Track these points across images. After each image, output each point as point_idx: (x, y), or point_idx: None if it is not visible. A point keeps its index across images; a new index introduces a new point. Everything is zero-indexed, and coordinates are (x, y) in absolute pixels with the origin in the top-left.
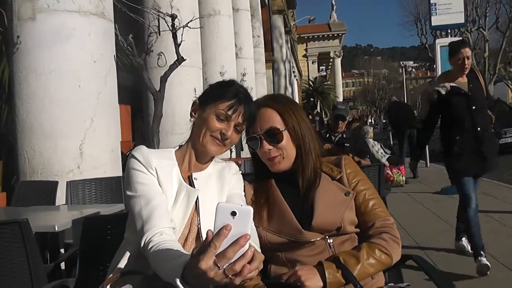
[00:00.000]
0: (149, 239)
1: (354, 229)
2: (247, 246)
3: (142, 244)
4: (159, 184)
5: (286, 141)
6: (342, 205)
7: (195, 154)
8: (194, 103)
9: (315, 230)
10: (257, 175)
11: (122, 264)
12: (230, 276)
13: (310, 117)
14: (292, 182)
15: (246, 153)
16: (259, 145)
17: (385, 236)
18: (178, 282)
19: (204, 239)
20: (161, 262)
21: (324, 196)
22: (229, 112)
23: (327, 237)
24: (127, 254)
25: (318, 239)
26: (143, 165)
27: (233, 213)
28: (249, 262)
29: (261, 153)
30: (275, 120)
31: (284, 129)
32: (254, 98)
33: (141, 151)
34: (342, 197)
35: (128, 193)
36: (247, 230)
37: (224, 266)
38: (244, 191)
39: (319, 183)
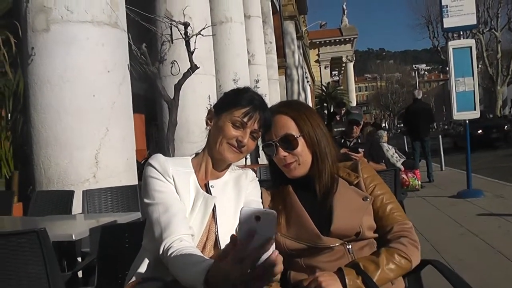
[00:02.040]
0: (169, 245)
1: (373, 234)
2: (271, 250)
3: (161, 251)
4: (176, 192)
5: (302, 147)
6: (360, 210)
7: (211, 161)
8: (209, 111)
9: (333, 236)
10: (274, 182)
11: (141, 271)
12: (254, 279)
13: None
14: (309, 188)
15: (262, 160)
16: (274, 152)
17: (404, 241)
18: (202, 286)
19: (222, 246)
20: (183, 268)
21: (342, 202)
22: (245, 119)
23: (346, 242)
24: (146, 261)
25: (337, 244)
26: (160, 173)
27: (257, 218)
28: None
29: (276, 159)
30: (290, 126)
31: (299, 136)
32: (268, 105)
33: (158, 159)
34: (360, 202)
35: (146, 200)
36: (271, 234)
37: (249, 270)
38: (261, 198)
39: (336, 189)
